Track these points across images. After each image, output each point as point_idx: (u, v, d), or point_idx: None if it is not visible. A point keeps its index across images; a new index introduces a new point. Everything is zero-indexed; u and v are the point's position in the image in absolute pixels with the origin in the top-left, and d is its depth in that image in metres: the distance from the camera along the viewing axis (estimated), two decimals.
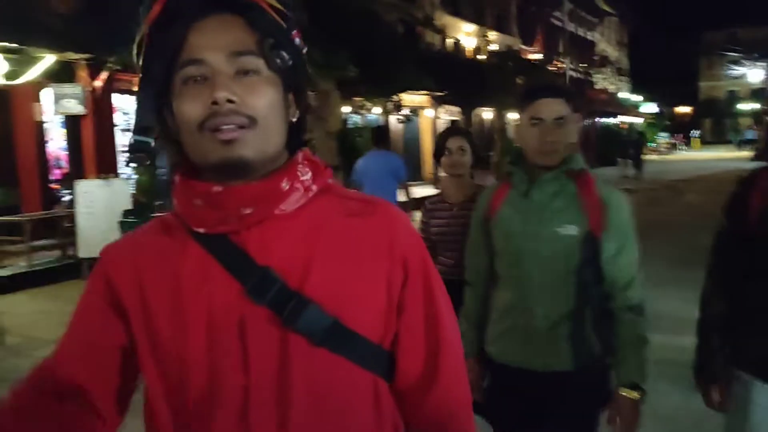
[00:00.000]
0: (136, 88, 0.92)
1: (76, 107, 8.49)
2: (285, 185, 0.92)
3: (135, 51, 0.92)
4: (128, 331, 0.94)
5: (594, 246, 1.81)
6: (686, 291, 6.99)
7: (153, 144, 0.97)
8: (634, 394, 1.80)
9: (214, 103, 0.86)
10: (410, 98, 15.38)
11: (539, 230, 1.80)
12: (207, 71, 0.87)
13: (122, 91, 9.19)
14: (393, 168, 6.48)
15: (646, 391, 1.83)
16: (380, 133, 7.16)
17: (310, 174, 0.95)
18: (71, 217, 8.26)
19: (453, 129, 3.25)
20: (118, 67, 8.13)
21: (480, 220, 1.99)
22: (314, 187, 0.95)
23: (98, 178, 8.36)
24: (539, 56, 24.80)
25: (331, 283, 0.92)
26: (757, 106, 41.49)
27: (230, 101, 0.86)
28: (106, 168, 8.65)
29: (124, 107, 9.79)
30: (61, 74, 8.33)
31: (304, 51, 0.97)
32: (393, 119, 15.57)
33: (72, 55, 8.18)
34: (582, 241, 1.80)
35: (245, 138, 0.87)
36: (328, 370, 0.91)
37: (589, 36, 35.91)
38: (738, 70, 44.99)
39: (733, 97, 51.09)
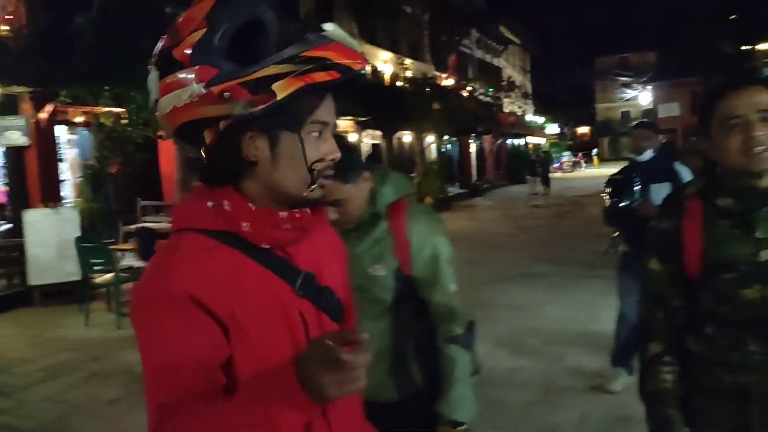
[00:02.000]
0: (79, 119, 1.38)
1: (20, 139, 8.67)
2: (320, 211, 1.22)
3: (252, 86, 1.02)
4: (226, 337, 1.05)
5: (408, 282, 1.84)
6: (594, 286, 8.29)
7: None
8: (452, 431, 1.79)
9: (333, 158, 1.13)
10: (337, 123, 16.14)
11: (353, 269, 1.74)
12: (324, 129, 1.11)
13: (65, 123, 9.43)
14: None
15: (468, 428, 1.83)
16: (373, 155, 9.39)
17: None
18: (17, 246, 8.41)
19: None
20: (69, 101, 8.41)
21: None
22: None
23: (45, 206, 8.57)
24: (452, 82, 26.16)
25: (333, 276, 1.23)
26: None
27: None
28: (51, 197, 8.85)
29: (67, 138, 10.00)
30: (4, 107, 8.51)
31: None
32: None
33: (16, 89, 8.40)
34: (394, 279, 1.83)
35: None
36: None
37: (496, 62, 38.03)
38: (629, 93, 48.71)
39: (627, 118, 54.84)
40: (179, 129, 1.07)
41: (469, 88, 28.07)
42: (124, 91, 8.24)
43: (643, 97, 40.97)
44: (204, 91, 1.01)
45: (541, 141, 43.81)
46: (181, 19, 1.05)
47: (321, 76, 1.03)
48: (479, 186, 28.51)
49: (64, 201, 9.52)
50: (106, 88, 8.31)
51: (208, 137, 1.06)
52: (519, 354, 5.48)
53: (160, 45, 1.07)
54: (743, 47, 20.96)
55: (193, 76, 1.02)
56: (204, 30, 1.02)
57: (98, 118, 8.83)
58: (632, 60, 53.92)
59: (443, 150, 25.99)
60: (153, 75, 1.07)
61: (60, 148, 9.72)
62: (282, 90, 1.02)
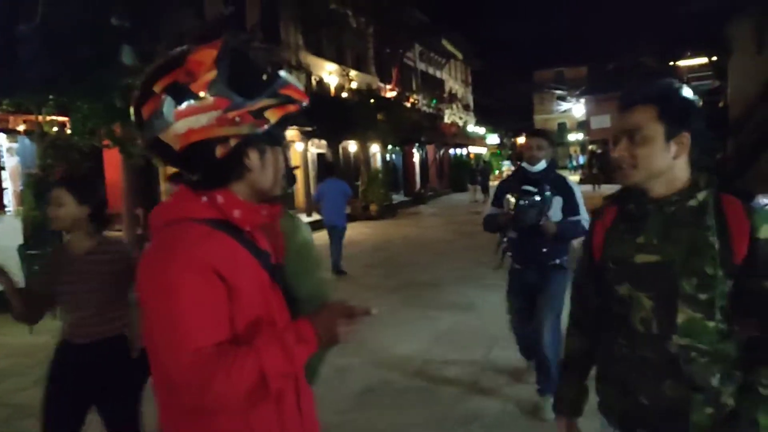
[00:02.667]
0: (20, 128, 1.65)
1: None
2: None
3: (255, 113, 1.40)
4: (229, 298, 1.34)
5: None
6: None
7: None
8: None
9: (291, 168, 1.55)
10: None
11: None
12: (289, 143, 1.77)
13: (6, 131, 9.35)
14: (342, 190, 10.06)
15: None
16: (330, 166, 10.99)
17: None
18: None
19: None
20: (12, 109, 8.35)
21: None
22: None
23: None
24: (395, 93, 26.68)
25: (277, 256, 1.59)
26: (581, 136, 47.06)
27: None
28: None
29: (7, 146, 9.89)
30: None
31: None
32: None
33: None
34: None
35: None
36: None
37: (438, 75, 38.89)
38: (565, 105, 50.54)
39: (563, 129, 56.83)
40: (190, 145, 1.36)
41: (412, 100, 28.69)
42: (69, 100, 8.24)
43: (576, 109, 42.64)
44: (221, 116, 1.35)
45: (482, 151, 45.00)
46: (192, 61, 1.35)
47: (290, 108, 1.44)
48: (423, 194, 29.13)
49: (6, 209, 9.43)
50: (51, 97, 8.29)
51: (220, 151, 1.37)
52: (453, 349, 5.88)
53: (171, 79, 1.35)
54: (667, 63, 22.20)
55: (211, 104, 1.34)
56: (215, 71, 1.35)
57: (41, 127, 8.80)
58: (567, 74, 55.81)
59: (388, 159, 26.47)
60: (168, 102, 1.34)
61: (0, 155, 9.62)
62: (272, 116, 1.41)
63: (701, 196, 1.62)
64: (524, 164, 4.19)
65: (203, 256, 1.30)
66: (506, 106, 48.92)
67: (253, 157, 1.41)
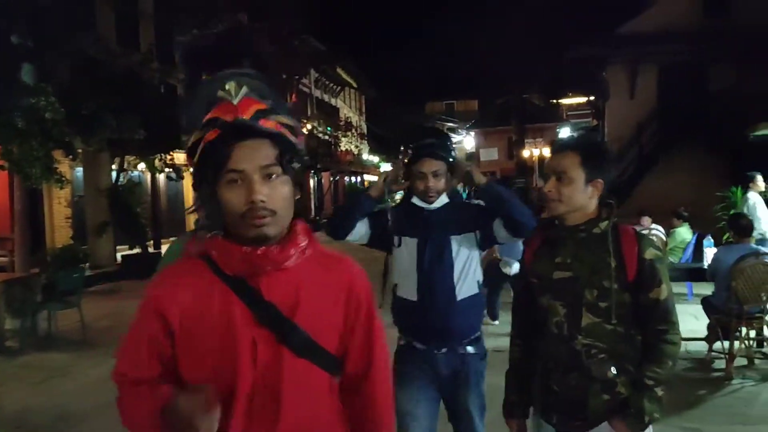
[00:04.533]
0: None
1: None
2: (292, 252, 1.31)
3: (189, 152, 1.29)
4: (171, 340, 1.30)
5: None
6: None
7: None
8: None
9: (252, 202, 1.23)
10: (177, 156, 15.79)
11: None
12: (243, 177, 1.24)
13: None
14: None
15: None
16: None
17: (306, 241, 1.34)
18: None
19: None
20: None
21: None
22: (308, 251, 1.34)
23: None
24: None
25: (311, 315, 1.31)
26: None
27: (262, 201, 1.24)
28: None
29: None
30: None
31: (301, 150, 1.33)
32: (162, 177, 15.80)
33: None
34: None
35: (270, 222, 1.25)
36: (305, 372, 1.31)
37: (334, 102, 39.37)
38: (455, 137, 52.70)
39: None
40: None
41: (308, 126, 28.85)
42: None
43: (467, 141, 44.62)
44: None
45: (376, 179, 45.62)
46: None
47: (211, 135, 1.24)
48: (318, 221, 29.18)
49: None
50: None
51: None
52: None
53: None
54: (551, 101, 23.95)
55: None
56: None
57: None
58: (458, 107, 58.35)
59: None
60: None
61: None
62: (195, 152, 1.26)
63: (603, 225, 2.00)
64: (415, 200, 2.72)
65: (155, 297, 1.31)
66: (400, 136, 50.24)
67: (200, 194, 1.32)
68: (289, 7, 23.17)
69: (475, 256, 2.70)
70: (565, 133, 30.09)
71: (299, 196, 1.33)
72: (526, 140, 29.30)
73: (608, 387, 1.93)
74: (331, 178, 35.81)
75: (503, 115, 32.63)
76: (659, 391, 1.91)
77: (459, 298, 2.62)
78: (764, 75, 12.52)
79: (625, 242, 1.96)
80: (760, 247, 5.80)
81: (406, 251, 2.69)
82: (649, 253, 1.94)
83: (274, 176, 1.25)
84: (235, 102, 1.24)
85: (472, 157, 40.28)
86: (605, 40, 16.29)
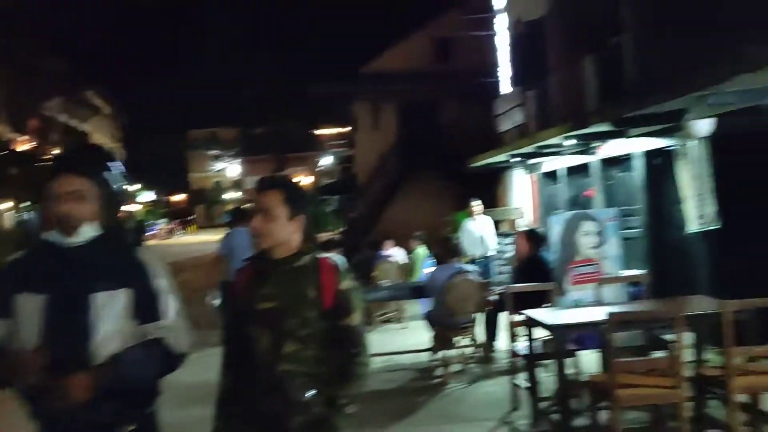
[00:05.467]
0: None
1: None
2: None
3: None
4: None
5: None
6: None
7: None
8: None
9: None
10: None
11: None
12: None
13: None
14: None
15: None
16: (239, 214, 8.46)
17: None
18: None
19: None
20: None
21: None
22: None
23: None
24: (31, 145, 24.10)
25: None
26: (239, 194, 48.75)
27: None
28: None
29: None
30: None
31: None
32: None
33: None
34: None
35: None
36: None
37: (82, 127, 36.26)
38: (220, 164, 51.82)
39: (219, 187, 57.75)
40: None
41: (54, 152, 26.23)
42: None
43: (232, 169, 44.17)
44: None
45: (136, 209, 43.03)
46: None
47: None
48: None
49: None
50: None
51: None
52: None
53: None
54: (309, 131, 24.95)
55: None
56: None
57: None
58: (221, 134, 57.35)
59: (26, 218, 23.54)
60: None
61: None
62: None
63: (305, 259, 2.21)
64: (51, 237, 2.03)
65: None
66: (161, 164, 47.99)
67: None
68: (33, 25, 21.06)
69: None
70: (326, 161, 31.61)
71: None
72: (288, 169, 29.98)
73: (306, 408, 2.11)
74: None
75: (266, 143, 33.01)
76: (351, 408, 2.14)
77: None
78: (480, 111, 14.60)
79: (323, 274, 2.17)
80: (465, 266, 6.72)
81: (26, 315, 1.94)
82: (345, 284, 2.18)
83: None
84: None
85: (239, 184, 39.98)
86: (351, 78, 17.77)
